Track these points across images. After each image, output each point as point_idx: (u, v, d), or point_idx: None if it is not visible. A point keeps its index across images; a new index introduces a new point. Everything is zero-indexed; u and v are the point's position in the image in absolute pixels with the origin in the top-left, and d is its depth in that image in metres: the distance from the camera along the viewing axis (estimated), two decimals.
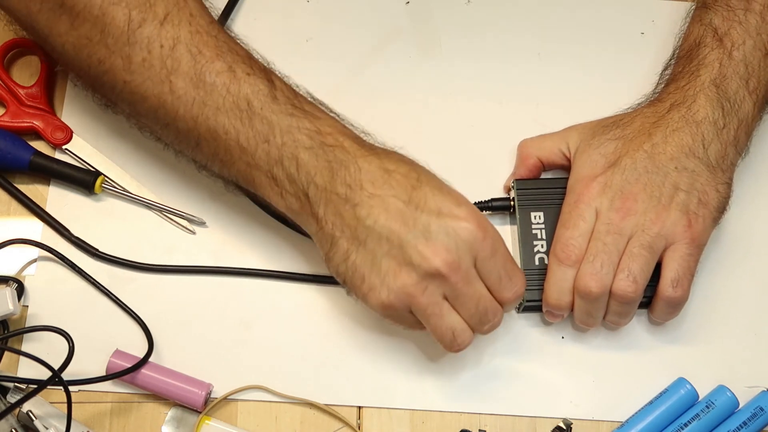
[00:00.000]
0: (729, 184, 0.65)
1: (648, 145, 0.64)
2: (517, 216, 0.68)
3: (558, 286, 0.64)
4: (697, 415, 0.64)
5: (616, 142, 0.65)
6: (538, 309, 0.66)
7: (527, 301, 0.66)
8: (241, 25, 0.76)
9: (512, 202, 0.69)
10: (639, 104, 0.70)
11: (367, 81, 0.75)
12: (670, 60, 0.72)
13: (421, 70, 0.75)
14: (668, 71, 0.71)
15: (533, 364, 0.67)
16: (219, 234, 0.70)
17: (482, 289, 0.59)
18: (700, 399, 0.65)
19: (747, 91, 0.67)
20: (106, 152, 0.71)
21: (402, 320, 0.60)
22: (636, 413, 0.65)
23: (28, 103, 0.71)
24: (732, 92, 0.66)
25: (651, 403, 0.65)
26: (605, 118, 0.68)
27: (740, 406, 0.65)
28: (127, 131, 0.72)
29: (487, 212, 0.70)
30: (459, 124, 0.74)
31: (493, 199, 0.69)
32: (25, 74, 0.73)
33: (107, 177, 0.70)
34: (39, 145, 0.71)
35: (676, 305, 0.64)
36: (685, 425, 0.64)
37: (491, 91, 0.75)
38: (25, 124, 0.71)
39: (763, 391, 0.65)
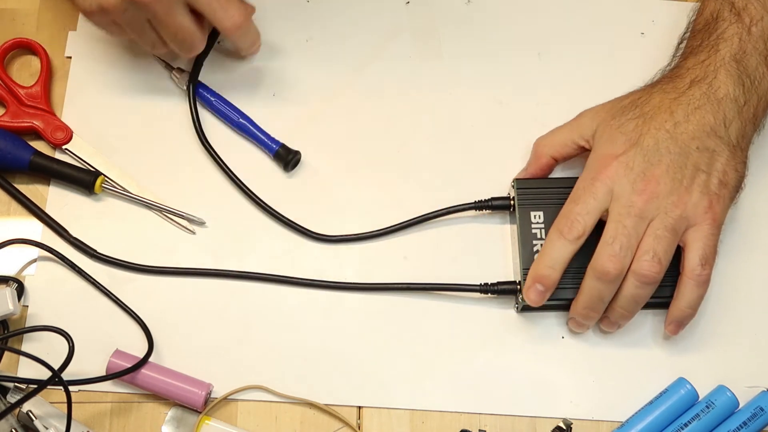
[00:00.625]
0: (746, 163, 0.65)
1: (670, 124, 0.64)
2: (517, 215, 0.68)
3: (553, 259, 0.63)
4: (697, 415, 0.64)
5: (636, 121, 0.64)
6: (536, 309, 0.66)
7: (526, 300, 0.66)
8: None
9: (512, 202, 0.69)
10: (653, 79, 0.69)
11: (367, 81, 0.75)
12: (685, 33, 0.71)
13: (421, 70, 0.75)
14: (683, 44, 0.70)
15: (533, 364, 0.67)
16: (219, 234, 0.70)
17: (185, 21, 0.64)
18: (700, 399, 0.65)
19: (766, 68, 0.66)
20: (106, 152, 0.71)
21: (110, 30, 0.67)
22: (636, 413, 0.65)
23: (28, 103, 0.71)
24: (752, 68, 0.66)
25: (651, 403, 0.65)
26: (621, 98, 0.67)
27: (740, 406, 0.65)
28: (128, 132, 0.72)
29: (488, 211, 0.70)
30: (459, 123, 0.74)
31: (493, 198, 0.69)
32: (25, 74, 0.73)
33: (107, 177, 0.70)
34: (39, 145, 0.71)
35: (703, 283, 0.63)
36: (685, 425, 0.64)
37: (491, 90, 0.75)
38: (25, 124, 0.71)
39: (763, 391, 0.65)
